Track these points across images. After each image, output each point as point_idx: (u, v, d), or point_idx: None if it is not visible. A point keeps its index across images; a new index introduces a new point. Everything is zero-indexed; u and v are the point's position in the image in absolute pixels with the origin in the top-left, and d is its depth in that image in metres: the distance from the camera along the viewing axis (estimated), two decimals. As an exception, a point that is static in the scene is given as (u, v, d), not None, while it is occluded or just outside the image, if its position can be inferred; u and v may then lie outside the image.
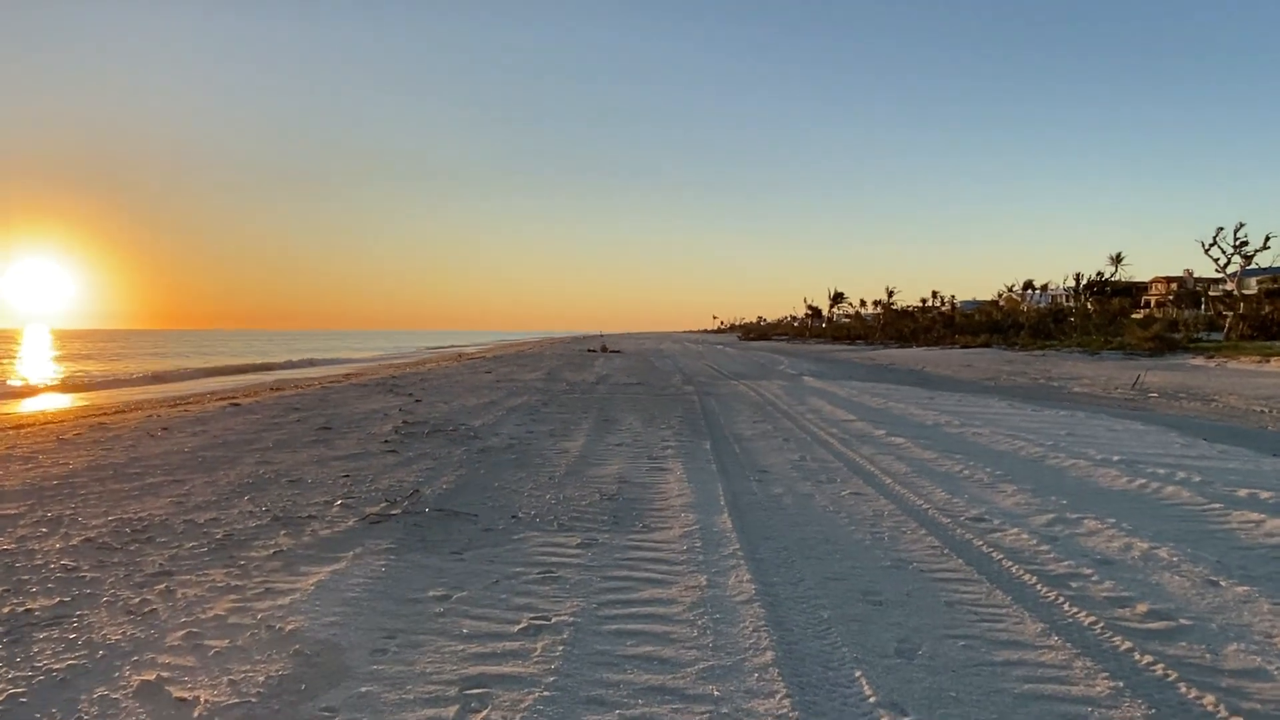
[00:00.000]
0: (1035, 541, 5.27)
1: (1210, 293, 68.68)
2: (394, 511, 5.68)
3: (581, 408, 13.80)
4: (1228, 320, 47.88)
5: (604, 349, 47.31)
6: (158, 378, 29.81)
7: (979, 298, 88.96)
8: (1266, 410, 14.91)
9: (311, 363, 43.32)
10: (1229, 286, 55.88)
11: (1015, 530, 5.57)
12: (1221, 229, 48.67)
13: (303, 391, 16.95)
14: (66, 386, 24.95)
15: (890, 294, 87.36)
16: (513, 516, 5.72)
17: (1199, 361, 31.99)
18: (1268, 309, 47.36)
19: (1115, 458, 8.69)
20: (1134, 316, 60.62)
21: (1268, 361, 29.17)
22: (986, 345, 53.05)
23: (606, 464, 8.20)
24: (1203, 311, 61.68)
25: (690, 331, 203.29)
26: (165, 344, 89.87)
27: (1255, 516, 6.02)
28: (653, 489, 6.94)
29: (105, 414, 13.68)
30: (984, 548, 5.16)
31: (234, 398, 15.94)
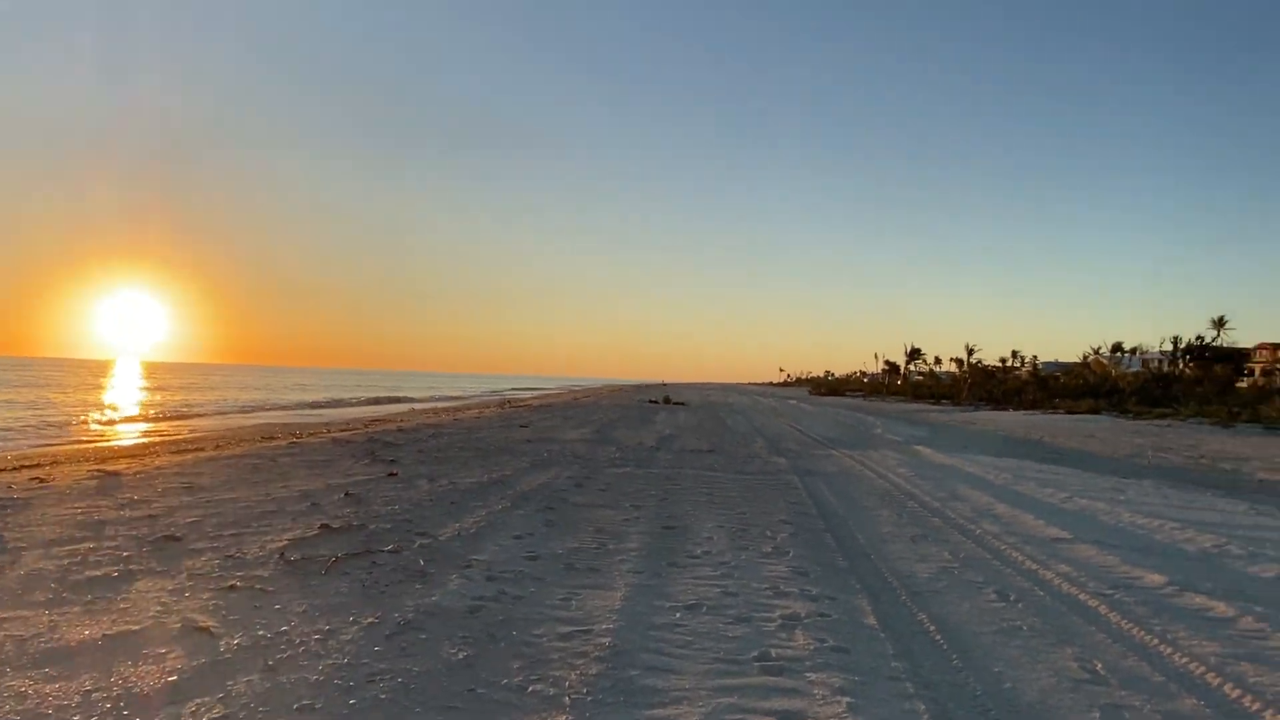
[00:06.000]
0: None
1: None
2: None
3: (632, 497, 9.14)
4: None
5: (667, 400, 42.59)
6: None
7: (1059, 359, 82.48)
8: None
9: (337, 402, 39.78)
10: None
11: None
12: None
13: (258, 452, 12.69)
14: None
15: (971, 352, 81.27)
16: None
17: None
18: None
19: None
20: (1239, 385, 53.49)
21: None
22: (1094, 411, 46.52)
23: (672, 691, 3.53)
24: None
25: (755, 384, 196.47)
26: (228, 380, 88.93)
27: None
28: None
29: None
30: None
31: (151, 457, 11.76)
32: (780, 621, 4.62)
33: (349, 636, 3.95)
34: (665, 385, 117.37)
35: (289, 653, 3.71)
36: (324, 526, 6.34)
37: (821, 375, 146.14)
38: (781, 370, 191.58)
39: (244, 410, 34.27)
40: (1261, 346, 73.42)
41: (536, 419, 23.91)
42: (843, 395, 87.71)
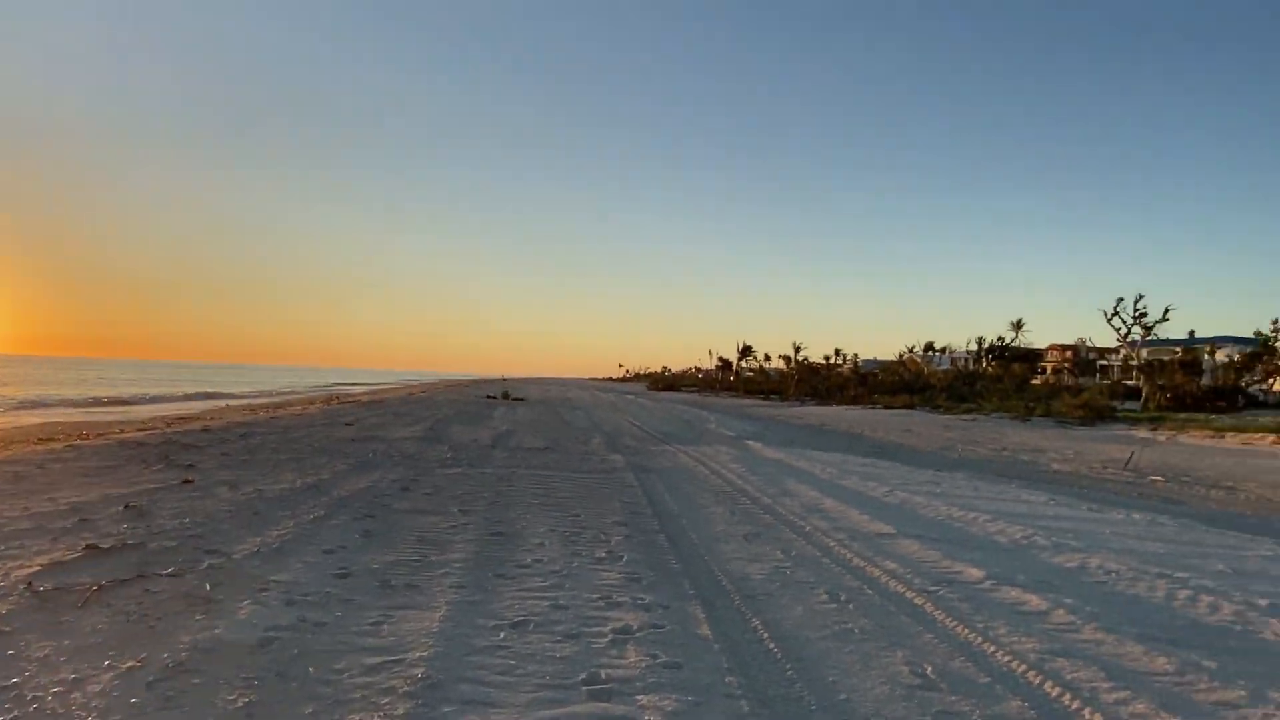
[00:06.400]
0: None
1: (1102, 361, 68.93)
2: None
3: (462, 501, 8.63)
4: (1144, 390, 46.41)
5: (506, 396, 41.75)
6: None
7: (877, 357, 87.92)
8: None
9: (140, 398, 36.14)
10: (1124, 354, 55.49)
11: None
12: (1122, 299, 47.77)
13: (23, 457, 11.10)
14: None
15: (797, 349, 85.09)
16: None
17: (1144, 434, 29.17)
18: (1179, 379, 46.25)
19: None
20: (1033, 382, 59.37)
21: (1222, 437, 26.36)
22: (909, 406, 50.03)
23: (487, 730, 3.16)
24: (1097, 380, 61.09)
25: (596, 379, 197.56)
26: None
27: None
28: None
29: None
30: None
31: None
32: (611, 636, 4.36)
33: (99, 687, 3.30)
34: (505, 381, 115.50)
35: (15, 714, 3.03)
36: (90, 547, 5.45)
37: (659, 371, 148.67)
38: (621, 366, 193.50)
39: (23, 406, 30.32)
40: (1052, 347, 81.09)
41: (364, 416, 22.63)
42: (679, 391, 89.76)
